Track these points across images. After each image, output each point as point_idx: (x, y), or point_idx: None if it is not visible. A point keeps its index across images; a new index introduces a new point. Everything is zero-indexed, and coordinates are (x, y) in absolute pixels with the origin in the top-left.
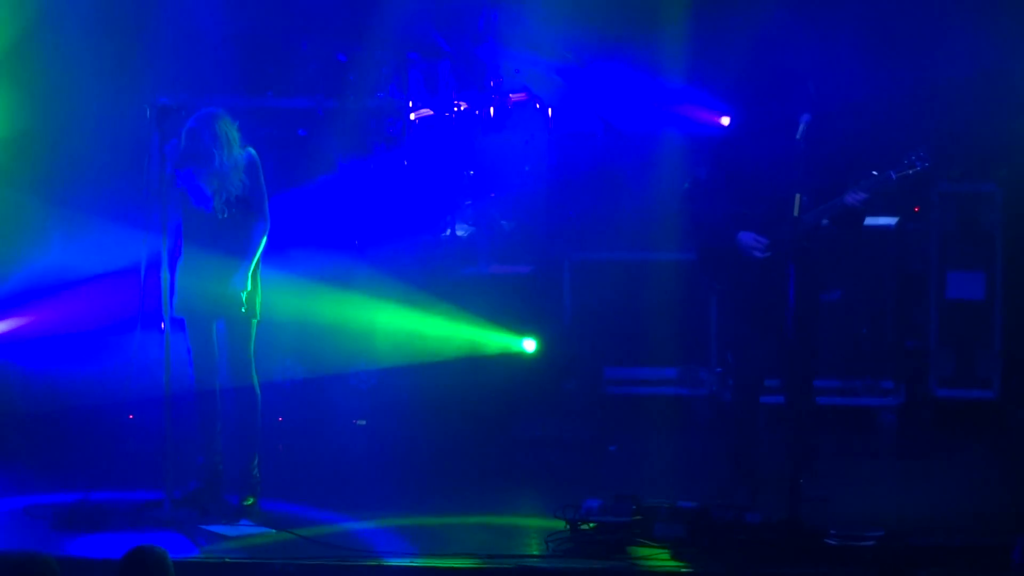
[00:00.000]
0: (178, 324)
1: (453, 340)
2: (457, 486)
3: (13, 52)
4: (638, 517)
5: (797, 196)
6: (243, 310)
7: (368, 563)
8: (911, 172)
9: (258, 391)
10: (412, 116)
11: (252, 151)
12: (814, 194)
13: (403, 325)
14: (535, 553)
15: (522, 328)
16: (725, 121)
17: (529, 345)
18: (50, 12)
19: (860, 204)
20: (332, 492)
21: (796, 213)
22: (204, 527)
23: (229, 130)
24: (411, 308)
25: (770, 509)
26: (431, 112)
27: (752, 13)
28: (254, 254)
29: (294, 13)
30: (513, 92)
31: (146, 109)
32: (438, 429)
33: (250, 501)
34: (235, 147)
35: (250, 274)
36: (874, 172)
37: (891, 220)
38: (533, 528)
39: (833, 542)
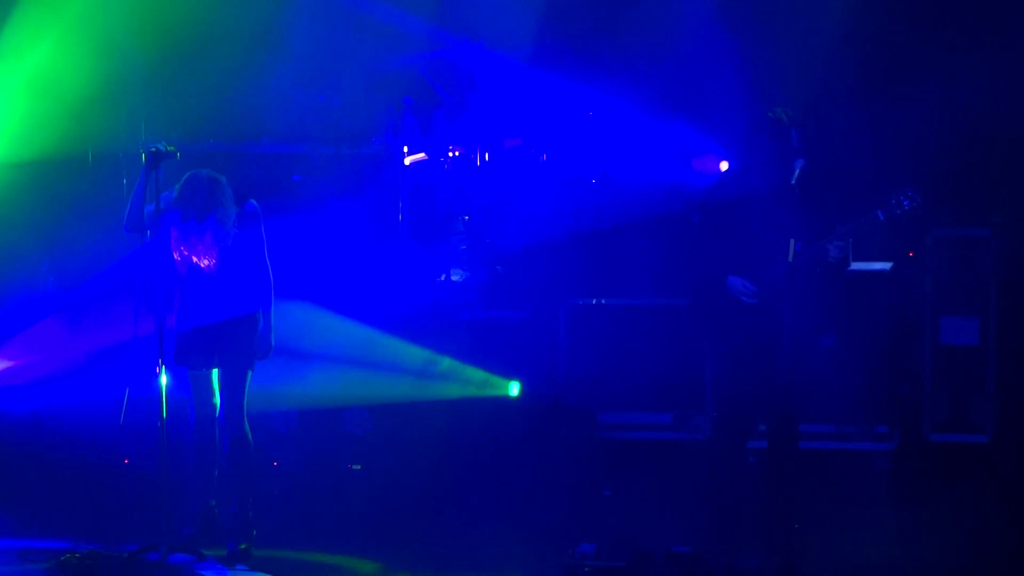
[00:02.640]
0: (176, 371)
1: (448, 385)
2: (451, 531)
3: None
4: (633, 563)
5: (791, 241)
6: (249, 358)
7: None
8: (899, 212)
9: (250, 437)
10: (407, 161)
11: (254, 202)
12: (807, 238)
13: (397, 369)
14: None
15: (517, 373)
16: (724, 166)
17: (513, 389)
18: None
19: (840, 253)
20: (327, 537)
21: (791, 258)
22: (200, 572)
23: (221, 189)
24: (405, 353)
25: (763, 554)
26: (426, 157)
27: (748, 60)
28: (269, 306)
29: (287, 59)
30: (508, 138)
31: (141, 154)
32: (432, 474)
33: (245, 546)
34: (228, 204)
35: (268, 324)
36: (861, 218)
37: (885, 265)
38: (528, 573)
39: None
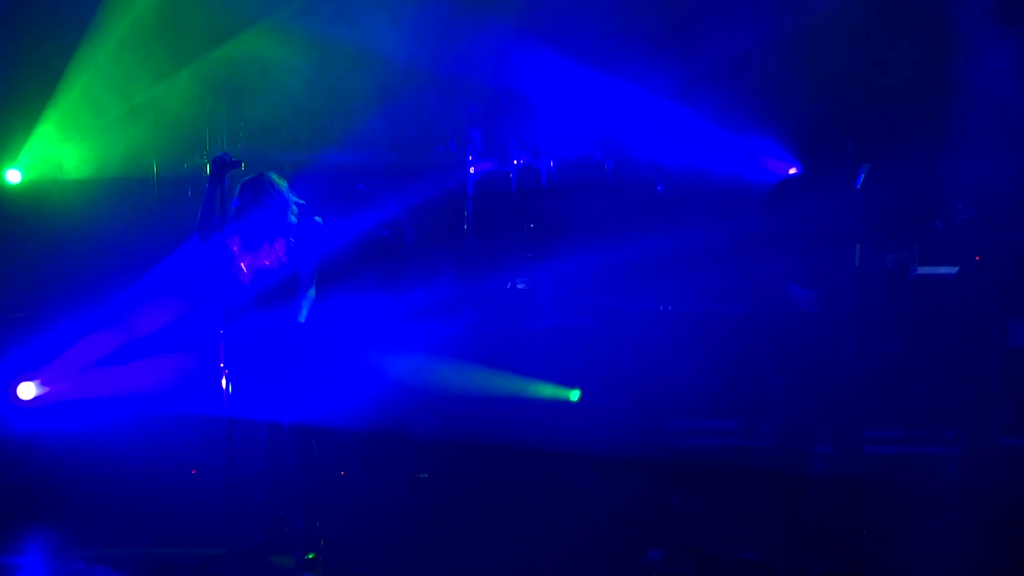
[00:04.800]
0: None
1: (515, 392)
2: (519, 538)
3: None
4: (701, 569)
5: (858, 246)
6: (315, 369)
7: None
8: (957, 221)
9: (316, 447)
10: (472, 170)
11: (318, 219)
12: (870, 244)
13: (464, 378)
14: None
15: (583, 380)
16: (792, 172)
17: (573, 395)
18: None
19: (896, 265)
20: (395, 546)
21: (857, 263)
22: None
23: (267, 181)
24: (472, 361)
25: (830, 561)
26: (491, 165)
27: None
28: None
29: (352, 67)
30: (573, 145)
31: (206, 165)
32: (500, 481)
33: (312, 555)
34: (275, 194)
35: (304, 342)
36: (919, 228)
37: (952, 269)
38: None
39: None
